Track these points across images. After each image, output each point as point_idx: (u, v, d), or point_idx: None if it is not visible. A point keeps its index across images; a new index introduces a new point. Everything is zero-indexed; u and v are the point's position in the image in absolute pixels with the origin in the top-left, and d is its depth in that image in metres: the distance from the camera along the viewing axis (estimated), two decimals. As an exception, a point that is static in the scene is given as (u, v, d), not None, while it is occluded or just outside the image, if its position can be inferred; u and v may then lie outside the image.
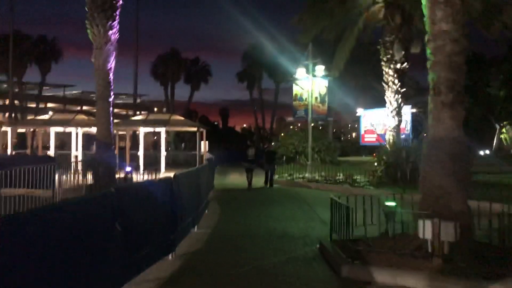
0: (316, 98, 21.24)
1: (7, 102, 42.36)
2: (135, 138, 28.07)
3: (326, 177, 18.06)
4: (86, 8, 13.88)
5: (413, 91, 34.68)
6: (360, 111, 35.53)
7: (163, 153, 23.54)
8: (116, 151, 23.90)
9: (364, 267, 5.67)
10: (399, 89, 18.94)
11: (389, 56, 18.84)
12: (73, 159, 22.38)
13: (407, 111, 24.72)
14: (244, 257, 6.80)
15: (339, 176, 17.70)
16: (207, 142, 28.06)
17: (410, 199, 7.42)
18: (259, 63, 49.96)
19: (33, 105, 50.95)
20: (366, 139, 34.25)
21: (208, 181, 13.15)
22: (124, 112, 56.92)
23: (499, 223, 6.24)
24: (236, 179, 20.75)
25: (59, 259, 3.46)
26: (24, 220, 3.16)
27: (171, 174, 7.35)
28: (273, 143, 28.59)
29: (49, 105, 58.90)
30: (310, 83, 20.80)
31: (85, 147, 24.26)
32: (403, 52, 18.70)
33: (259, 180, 17.66)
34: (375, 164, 17.37)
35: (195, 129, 25.69)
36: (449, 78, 6.09)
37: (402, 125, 19.90)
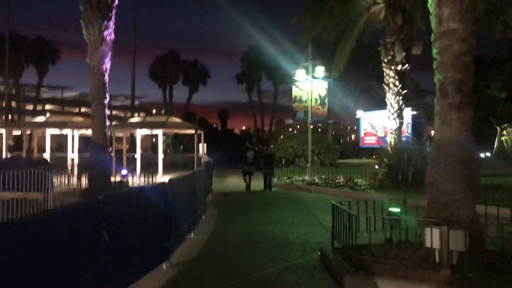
0: (316, 100, 20.95)
1: (4, 104, 42.02)
2: (133, 140, 27.80)
3: (326, 180, 17.76)
4: (80, 8, 13.61)
5: (413, 93, 34.46)
6: (359, 113, 35.30)
7: (161, 155, 23.23)
8: (113, 154, 23.72)
9: (368, 278, 5.37)
10: (400, 90, 18.66)
11: (389, 58, 18.57)
12: (69, 162, 22.09)
13: (408, 113, 24.45)
14: (242, 265, 6.50)
15: (339, 179, 17.41)
16: (205, 144, 27.75)
17: (414, 204, 7.12)
18: (258, 65, 49.78)
19: (31, 107, 50.71)
20: (366, 141, 34.01)
21: (205, 185, 12.85)
22: (122, 114, 56.70)
23: None
24: (234, 182, 20.46)
25: (42, 272, 3.17)
26: (2, 231, 2.87)
27: (169, 177, 7.07)
28: (271, 146, 28.30)
29: (47, 107, 58.72)
30: (310, 85, 20.52)
31: (82, 149, 23.97)
32: (404, 53, 18.42)
33: (258, 184, 17.37)
34: (376, 166, 17.07)
35: (193, 131, 25.39)
36: (457, 79, 5.80)
37: (403, 128, 19.61)
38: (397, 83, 18.60)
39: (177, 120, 25.82)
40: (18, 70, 45.89)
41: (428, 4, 6.30)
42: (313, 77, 20.43)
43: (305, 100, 20.91)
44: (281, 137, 34.72)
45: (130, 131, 25.73)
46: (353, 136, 68.21)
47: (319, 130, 38.73)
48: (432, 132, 39.39)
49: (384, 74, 19.05)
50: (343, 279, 5.52)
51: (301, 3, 20.39)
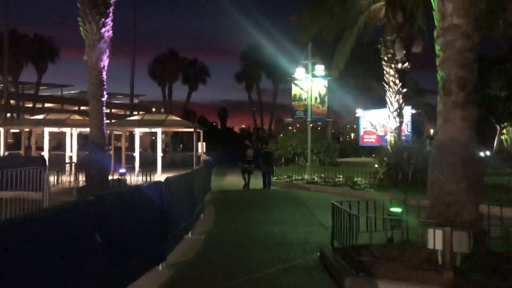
0: (315, 98, 20.80)
1: (2, 102, 41.83)
2: (132, 139, 27.67)
3: (326, 179, 17.65)
4: (78, 4, 13.46)
5: (412, 92, 34.33)
6: (359, 112, 35.17)
7: (159, 154, 23.09)
8: (112, 152, 23.60)
9: (369, 280, 5.25)
10: (400, 89, 18.56)
11: (390, 56, 18.46)
12: (67, 160, 21.97)
13: (407, 112, 24.31)
14: (240, 266, 6.37)
15: (339, 178, 17.29)
16: (204, 143, 27.62)
17: (414, 203, 6.99)
18: (258, 64, 49.66)
19: (30, 105, 50.52)
20: (365, 140, 33.89)
21: (204, 184, 12.72)
22: (122, 113, 56.46)
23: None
24: (234, 180, 20.32)
25: (31, 276, 3.04)
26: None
27: (167, 175, 6.93)
28: (268, 144, 28.15)
29: (47, 105, 58.52)
30: (310, 83, 20.38)
31: (82, 147, 23.80)
32: (404, 52, 18.31)
33: (258, 182, 17.25)
34: (376, 165, 16.95)
35: (191, 129, 25.24)
36: (460, 76, 5.66)
37: (402, 126, 19.48)
38: (397, 81, 18.49)
39: (176, 118, 25.67)
40: (17, 68, 45.69)
41: (431, -1, 6.16)
42: (313, 76, 20.30)
43: (305, 98, 20.77)
44: (281, 135, 34.61)
45: (129, 129, 25.60)
46: (352, 135, 68.15)
47: (319, 128, 38.59)
48: (432, 131, 39.36)
49: (384, 72, 18.94)
50: (343, 280, 5.40)
51: (301, 2, 20.29)
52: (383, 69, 18.98)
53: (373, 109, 32.50)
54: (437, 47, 5.97)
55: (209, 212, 11.32)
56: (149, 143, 43.61)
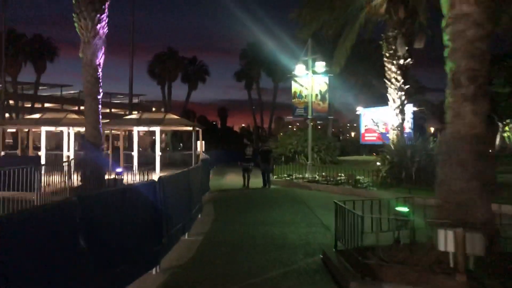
0: (316, 95, 20.45)
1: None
2: (131, 138, 27.35)
3: (327, 178, 17.33)
4: (72, 0, 13.14)
5: (413, 90, 33.95)
6: (360, 110, 34.84)
7: (158, 153, 22.76)
8: (110, 151, 23.27)
9: (375, 284, 4.92)
10: (403, 85, 18.21)
11: (391, 52, 18.12)
12: (65, 159, 21.62)
13: (409, 109, 23.98)
14: (239, 270, 6.04)
15: (341, 176, 16.96)
16: (203, 142, 27.28)
17: (419, 202, 6.67)
18: (258, 62, 49.33)
19: (29, 106, 50.18)
20: (366, 138, 33.58)
21: (202, 183, 12.39)
22: (121, 112, 56.10)
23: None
24: (233, 179, 20.03)
25: (7, 284, 2.73)
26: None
27: (166, 175, 6.60)
28: (267, 142, 27.84)
29: (46, 105, 58.20)
30: (310, 80, 20.03)
31: (81, 147, 23.44)
32: (406, 48, 17.96)
33: (258, 181, 16.96)
34: (378, 163, 16.61)
35: (190, 128, 24.89)
36: (471, 67, 5.32)
37: (404, 124, 19.12)
38: (399, 78, 18.15)
39: (175, 116, 25.30)
40: (15, 68, 45.40)
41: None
42: (313, 72, 19.95)
43: (305, 95, 20.42)
44: (281, 134, 34.29)
45: (127, 128, 25.26)
46: (352, 133, 67.83)
47: (318, 127, 38.26)
48: (432, 129, 39.02)
49: (386, 69, 18.59)
50: (348, 285, 5.07)
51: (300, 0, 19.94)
52: (385, 66, 18.63)
53: (374, 107, 32.17)
54: (445, 37, 5.62)
55: (207, 212, 11.00)
56: (149, 143, 43.31)
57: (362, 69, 36.60)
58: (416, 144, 16.16)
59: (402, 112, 18.36)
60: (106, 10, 13.59)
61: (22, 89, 53.33)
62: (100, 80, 13.69)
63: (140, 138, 34.32)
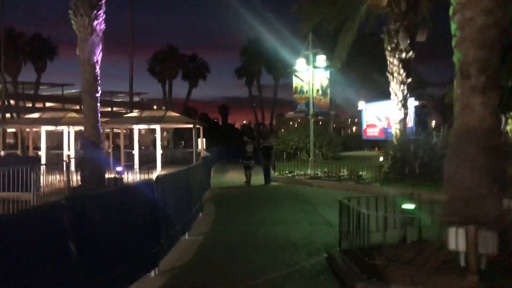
0: (317, 90, 20.19)
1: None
2: (133, 136, 27.16)
3: (329, 174, 17.11)
4: (68, -4, 12.89)
5: (415, 84, 33.64)
6: (361, 105, 34.54)
7: (159, 151, 22.57)
8: (110, 150, 23.09)
9: (383, 285, 4.71)
10: (405, 79, 17.95)
11: (393, 45, 17.84)
12: (65, 159, 21.44)
13: (411, 103, 23.69)
14: (240, 271, 5.84)
15: (343, 172, 16.74)
16: (204, 139, 27.08)
17: (425, 199, 6.46)
18: (258, 59, 49.01)
19: (30, 105, 50.04)
20: (368, 133, 33.31)
21: (202, 181, 12.19)
22: (123, 111, 55.92)
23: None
24: (234, 177, 19.84)
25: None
26: None
27: (164, 174, 6.40)
28: (268, 139, 27.62)
29: (48, 104, 58.05)
30: (311, 75, 19.78)
31: (82, 146, 23.23)
32: (408, 41, 17.69)
33: (260, 178, 16.77)
34: (380, 159, 16.37)
35: (191, 125, 24.70)
36: (480, 57, 5.08)
37: (406, 118, 18.85)
38: (401, 71, 17.88)
39: (175, 114, 25.12)
40: (16, 67, 45.23)
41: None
42: (314, 67, 19.71)
43: (306, 91, 20.16)
44: (282, 130, 34.07)
45: (127, 127, 25.08)
46: (354, 128, 67.53)
47: (320, 123, 37.98)
48: (433, 123, 38.68)
49: (388, 62, 18.31)
50: (355, 286, 4.86)
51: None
52: (387, 59, 18.35)
53: (375, 101, 31.88)
54: (453, 26, 5.38)
55: (208, 210, 10.80)
56: (150, 141, 43.15)
57: (364, 64, 36.30)
58: (419, 139, 15.90)
59: (404, 106, 18.11)
60: (103, 6, 13.34)
61: (23, 89, 53.17)
62: (99, 78, 13.45)
63: (141, 136, 34.17)
